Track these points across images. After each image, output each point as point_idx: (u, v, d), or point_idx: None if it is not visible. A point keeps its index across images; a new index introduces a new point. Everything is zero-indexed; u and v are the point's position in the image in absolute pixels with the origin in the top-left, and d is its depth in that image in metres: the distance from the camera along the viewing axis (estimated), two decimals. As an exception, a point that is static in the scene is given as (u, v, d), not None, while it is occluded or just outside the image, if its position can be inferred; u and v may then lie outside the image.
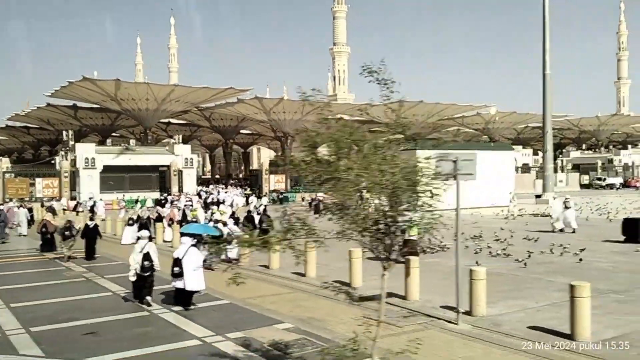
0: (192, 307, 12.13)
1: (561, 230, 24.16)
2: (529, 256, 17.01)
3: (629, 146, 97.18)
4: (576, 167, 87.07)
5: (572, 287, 9.35)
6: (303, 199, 43.30)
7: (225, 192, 50.42)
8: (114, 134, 79.82)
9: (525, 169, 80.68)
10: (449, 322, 10.32)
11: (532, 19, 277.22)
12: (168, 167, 52.09)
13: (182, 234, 14.00)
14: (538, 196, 48.97)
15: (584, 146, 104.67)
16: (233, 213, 23.18)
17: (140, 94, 59.20)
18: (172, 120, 79.86)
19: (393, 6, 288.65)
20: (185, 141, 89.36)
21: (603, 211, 34.88)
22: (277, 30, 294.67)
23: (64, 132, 53.53)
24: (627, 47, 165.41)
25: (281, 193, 54.02)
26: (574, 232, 23.83)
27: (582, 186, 77.12)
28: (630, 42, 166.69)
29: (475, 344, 9.11)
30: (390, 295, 12.66)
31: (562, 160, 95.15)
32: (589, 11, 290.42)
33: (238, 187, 52.86)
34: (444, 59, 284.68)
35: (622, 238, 20.43)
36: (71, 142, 50.43)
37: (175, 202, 40.91)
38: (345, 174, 6.24)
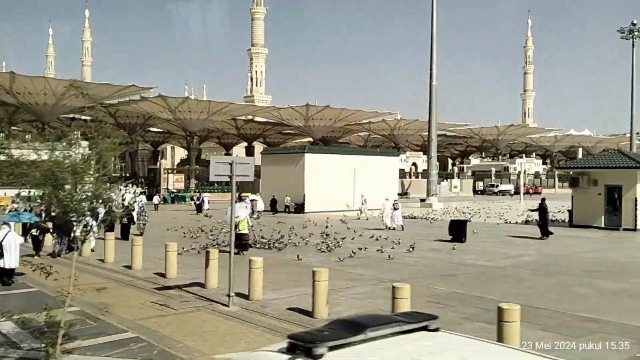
0: (11, 282, 13.92)
1: (392, 229, 26.89)
2: (354, 252, 18.81)
3: (523, 155, 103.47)
4: (475, 174, 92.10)
5: (314, 272, 10.96)
6: (192, 198, 44.03)
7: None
8: (13, 128, 77.25)
9: (425, 174, 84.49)
10: (224, 305, 11.70)
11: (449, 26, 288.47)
12: (61, 163, 51.36)
13: (4, 222, 14.91)
14: (423, 200, 52.05)
15: (483, 154, 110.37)
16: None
17: (37, 88, 58.04)
18: (77, 116, 78.23)
19: (311, 10, 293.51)
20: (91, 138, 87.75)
21: (470, 214, 37.68)
22: (200, 28, 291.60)
23: (-49, 125, 51.72)
24: (533, 61, 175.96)
25: (172, 192, 54.40)
26: (402, 229, 26.58)
27: (477, 192, 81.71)
28: (535, 56, 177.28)
29: (228, 321, 10.52)
30: (194, 284, 14.00)
31: (462, 167, 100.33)
32: (502, 26, 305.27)
33: (133, 186, 52.65)
34: (361, 64, 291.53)
35: (450, 237, 22.72)
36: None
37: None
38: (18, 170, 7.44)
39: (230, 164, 11.57)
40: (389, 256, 18.10)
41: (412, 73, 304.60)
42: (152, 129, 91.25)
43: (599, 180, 27.96)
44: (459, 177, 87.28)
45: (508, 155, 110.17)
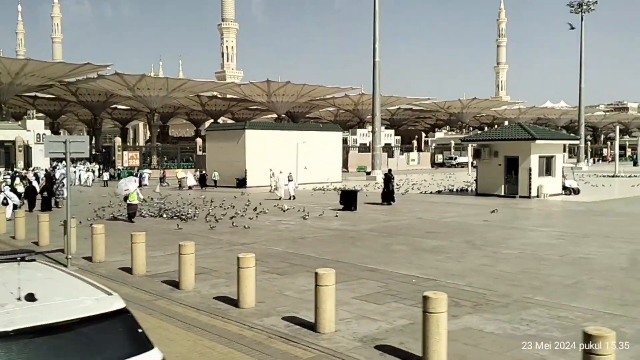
0: None
1: (287, 199, 29.48)
2: (234, 223, 20.33)
3: (486, 127, 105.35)
4: (436, 147, 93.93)
5: (131, 236, 12.59)
6: (136, 175, 45.45)
7: (74, 167, 51.44)
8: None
9: (387, 148, 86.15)
10: (64, 265, 13.27)
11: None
12: (13, 142, 52.44)
13: None
14: (368, 173, 53.90)
15: (449, 127, 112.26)
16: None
17: (-11, 68, 58.63)
18: (39, 95, 78.82)
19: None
20: (56, 116, 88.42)
21: (400, 186, 39.42)
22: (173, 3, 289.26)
23: None
24: (506, 34, 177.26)
25: (118, 169, 55.81)
26: (294, 198, 29.23)
27: (436, 164, 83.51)
28: (508, 29, 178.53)
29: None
30: (59, 250, 15.50)
31: (427, 141, 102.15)
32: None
33: (87, 163, 53.97)
34: (337, 38, 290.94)
35: (341, 207, 24.46)
36: None
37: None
38: None
39: (65, 142, 13.03)
40: (245, 225, 19.62)
41: (386, 46, 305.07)
42: (118, 107, 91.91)
43: (499, 151, 29.73)
44: (419, 150, 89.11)
45: (474, 128, 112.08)
